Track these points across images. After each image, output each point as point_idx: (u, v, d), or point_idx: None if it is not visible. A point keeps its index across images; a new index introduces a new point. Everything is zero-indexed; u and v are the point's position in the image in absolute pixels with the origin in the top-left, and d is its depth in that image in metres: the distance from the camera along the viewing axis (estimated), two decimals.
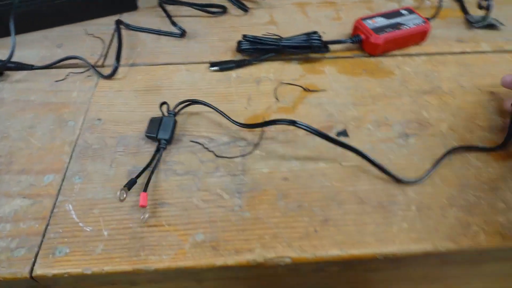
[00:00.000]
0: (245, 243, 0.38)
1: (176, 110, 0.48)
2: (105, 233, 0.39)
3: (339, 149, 0.45)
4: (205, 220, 0.40)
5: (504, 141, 0.44)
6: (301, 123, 0.42)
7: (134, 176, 0.43)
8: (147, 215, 0.40)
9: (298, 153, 0.45)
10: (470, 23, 0.61)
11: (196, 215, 0.40)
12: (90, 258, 0.37)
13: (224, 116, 0.47)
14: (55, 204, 0.41)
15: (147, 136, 0.46)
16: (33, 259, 0.37)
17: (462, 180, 0.43)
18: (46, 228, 0.39)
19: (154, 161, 0.44)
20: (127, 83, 0.54)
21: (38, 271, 0.36)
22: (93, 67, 0.55)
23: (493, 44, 0.59)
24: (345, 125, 0.48)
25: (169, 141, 0.46)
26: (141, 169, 0.43)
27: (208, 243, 0.38)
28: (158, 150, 0.45)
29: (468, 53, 0.57)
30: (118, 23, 0.60)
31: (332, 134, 0.47)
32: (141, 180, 0.43)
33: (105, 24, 0.64)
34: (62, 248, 0.38)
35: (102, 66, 0.57)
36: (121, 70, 0.56)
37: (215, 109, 0.46)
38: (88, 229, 0.39)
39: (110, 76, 0.54)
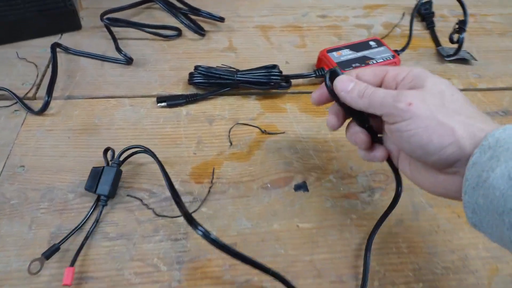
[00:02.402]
0: None
1: (122, 158, 0.41)
2: None
3: (297, 207, 0.41)
4: None
5: None
6: (200, 228, 0.33)
7: (57, 240, 0.36)
8: None
9: (250, 211, 0.40)
10: (442, 55, 0.58)
11: None
12: None
13: (165, 179, 0.38)
14: None
15: (87, 190, 0.40)
16: None
17: (431, 248, 0.38)
18: None
19: (89, 224, 0.38)
20: (61, 120, 0.47)
21: None
22: (21, 100, 0.48)
23: (464, 81, 0.55)
24: (305, 176, 0.43)
25: (109, 197, 0.39)
26: (67, 232, 0.37)
27: None
28: (95, 208, 0.39)
29: None
30: (54, 47, 0.53)
31: (290, 188, 0.42)
32: (66, 246, 0.36)
33: (42, 46, 0.56)
34: None
35: (34, 98, 0.50)
36: (55, 103, 0.49)
37: (159, 165, 0.39)
38: None
39: (40, 112, 0.47)
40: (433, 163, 0.29)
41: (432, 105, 0.28)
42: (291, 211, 0.40)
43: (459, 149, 0.27)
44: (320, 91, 0.36)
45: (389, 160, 0.36)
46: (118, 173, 0.40)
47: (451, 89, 0.30)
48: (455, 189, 0.29)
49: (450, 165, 0.28)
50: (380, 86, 0.33)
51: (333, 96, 0.34)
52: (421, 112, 0.28)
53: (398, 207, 0.41)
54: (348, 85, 0.32)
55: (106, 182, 0.39)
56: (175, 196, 0.36)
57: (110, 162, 0.41)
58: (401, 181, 0.38)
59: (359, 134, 0.34)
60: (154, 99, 0.49)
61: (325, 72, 0.33)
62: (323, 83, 0.34)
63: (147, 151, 0.40)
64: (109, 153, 0.42)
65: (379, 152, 0.35)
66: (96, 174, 0.40)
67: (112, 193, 0.39)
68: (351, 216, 0.40)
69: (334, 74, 0.33)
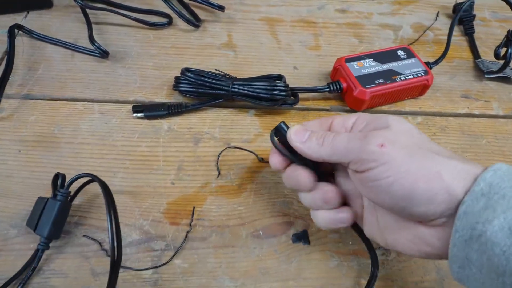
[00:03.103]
0: None
1: (74, 187, 0.33)
2: None
3: (294, 264, 0.32)
4: None
5: None
6: None
7: None
8: None
9: (236, 266, 0.32)
10: (481, 71, 0.48)
11: None
12: None
13: (106, 208, 0.29)
14: None
15: (28, 227, 0.32)
16: None
17: None
18: None
19: (25, 273, 0.30)
20: (12, 126, 0.39)
21: None
22: None
23: (506, 106, 0.46)
24: (307, 222, 0.35)
25: (49, 239, 0.31)
26: (2, 282, 0.29)
27: None
28: (36, 253, 0.31)
29: (475, 115, 0.45)
30: (13, 30, 0.43)
31: (287, 237, 0.34)
32: None
33: (2, 26, 0.47)
34: None
35: None
36: (7, 103, 0.40)
37: (108, 212, 0.30)
38: None
39: None
40: (419, 216, 0.24)
41: (408, 145, 0.24)
42: (286, 271, 0.32)
43: (450, 196, 0.23)
44: (278, 153, 0.30)
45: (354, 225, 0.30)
46: (64, 208, 0.32)
47: (415, 128, 0.27)
48: (441, 244, 0.24)
49: (438, 216, 0.24)
50: None
51: (283, 154, 0.29)
52: (397, 153, 0.24)
53: (420, 271, 0.33)
54: (303, 134, 0.28)
55: (47, 220, 0.31)
56: (114, 238, 0.28)
57: (58, 192, 0.32)
58: (377, 261, 0.31)
59: (302, 172, 0.29)
60: (130, 106, 0.40)
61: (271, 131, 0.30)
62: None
63: (94, 179, 0.31)
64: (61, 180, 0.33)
65: (345, 213, 0.29)
66: (39, 206, 0.31)
67: (54, 234, 0.31)
68: (360, 281, 0.32)
69: (280, 130, 0.29)
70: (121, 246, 0.29)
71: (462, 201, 0.22)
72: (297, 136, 0.28)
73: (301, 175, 0.28)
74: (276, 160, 0.30)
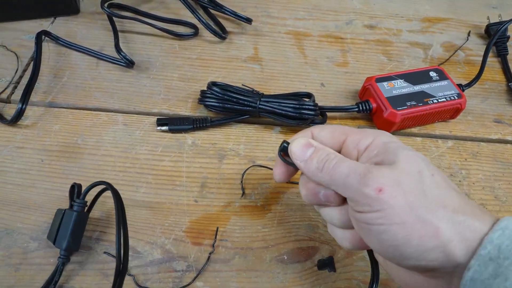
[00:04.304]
0: None
1: (91, 197, 0.32)
2: None
3: None
4: None
5: None
6: None
7: None
8: None
9: None
10: None
11: None
12: None
13: (116, 224, 0.29)
14: None
15: (49, 240, 0.31)
16: None
17: None
18: None
19: None
20: (36, 135, 0.38)
21: None
22: None
23: None
24: (333, 248, 0.34)
25: (69, 252, 0.30)
26: None
27: None
28: (57, 269, 0.30)
29: (508, 141, 0.43)
30: (40, 36, 0.43)
31: (313, 263, 0.33)
32: None
33: (28, 31, 0.47)
34: None
35: (8, 101, 0.41)
36: (32, 111, 0.40)
37: (116, 208, 0.29)
38: None
39: (12, 122, 0.38)
40: (409, 267, 0.23)
41: (410, 193, 0.22)
42: None
43: (445, 255, 0.21)
44: (281, 165, 0.28)
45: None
46: (81, 219, 0.31)
47: (429, 167, 0.23)
48: None
49: (431, 271, 0.22)
50: (339, 153, 0.26)
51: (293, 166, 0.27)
52: (395, 202, 0.21)
53: None
54: (305, 151, 0.25)
55: (65, 231, 0.30)
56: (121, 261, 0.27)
57: (75, 203, 0.31)
58: (377, 276, 0.28)
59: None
60: (154, 118, 0.40)
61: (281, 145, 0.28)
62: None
63: (107, 187, 0.30)
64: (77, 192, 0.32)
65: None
66: (58, 219, 0.31)
67: (74, 246, 0.30)
68: None
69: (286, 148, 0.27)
70: (127, 258, 0.28)
71: (468, 265, 0.20)
72: (298, 152, 0.25)
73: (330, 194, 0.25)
74: (279, 171, 0.28)
